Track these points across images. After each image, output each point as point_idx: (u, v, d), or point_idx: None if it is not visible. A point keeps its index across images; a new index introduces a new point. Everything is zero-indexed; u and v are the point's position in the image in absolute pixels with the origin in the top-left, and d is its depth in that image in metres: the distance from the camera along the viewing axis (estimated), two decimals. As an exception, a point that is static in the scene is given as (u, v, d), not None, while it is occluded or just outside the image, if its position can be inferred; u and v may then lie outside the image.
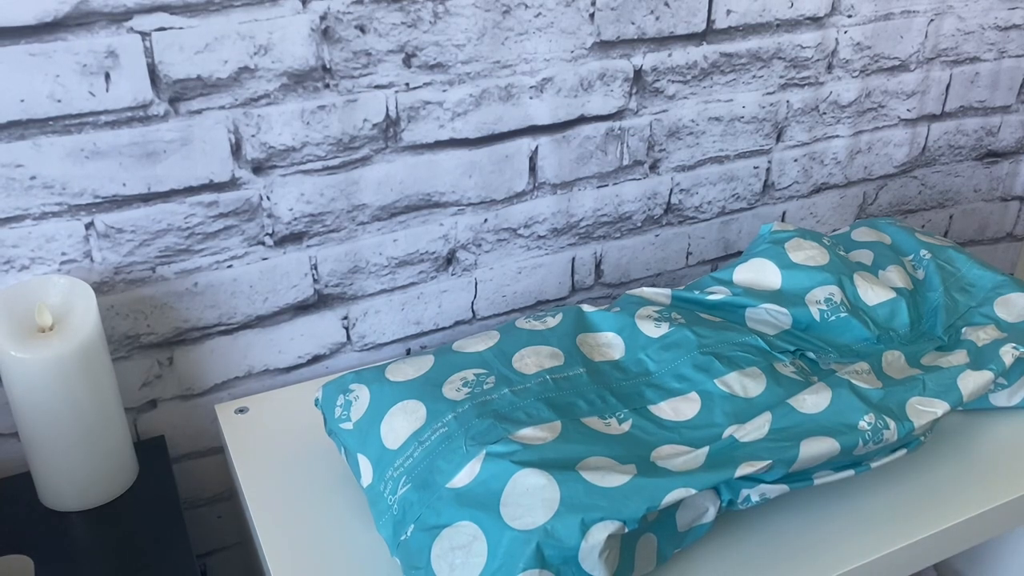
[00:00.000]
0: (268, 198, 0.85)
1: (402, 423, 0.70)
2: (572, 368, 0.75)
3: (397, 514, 0.66)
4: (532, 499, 0.61)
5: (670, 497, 0.62)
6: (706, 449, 0.68)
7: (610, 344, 0.79)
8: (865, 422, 0.71)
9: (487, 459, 0.64)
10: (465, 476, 0.64)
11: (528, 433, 0.67)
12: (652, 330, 0.79)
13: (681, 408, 0.73)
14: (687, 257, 1.12)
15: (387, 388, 0.74)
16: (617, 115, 0.98)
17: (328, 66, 0.82)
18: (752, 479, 0.67)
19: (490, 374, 0.74)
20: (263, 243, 0.87)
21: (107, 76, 0.74)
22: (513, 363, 0.75)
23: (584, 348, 0.78)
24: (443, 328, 1.01)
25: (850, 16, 1.05)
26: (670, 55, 0.97)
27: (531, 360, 0.75)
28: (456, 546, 0.61)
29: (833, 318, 0.83)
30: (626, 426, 0.71)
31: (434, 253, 0.96)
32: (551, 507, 0.61)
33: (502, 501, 0.62)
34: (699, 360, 0.75)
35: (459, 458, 0.65)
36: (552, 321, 0.81)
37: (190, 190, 0.81)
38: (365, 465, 0.71)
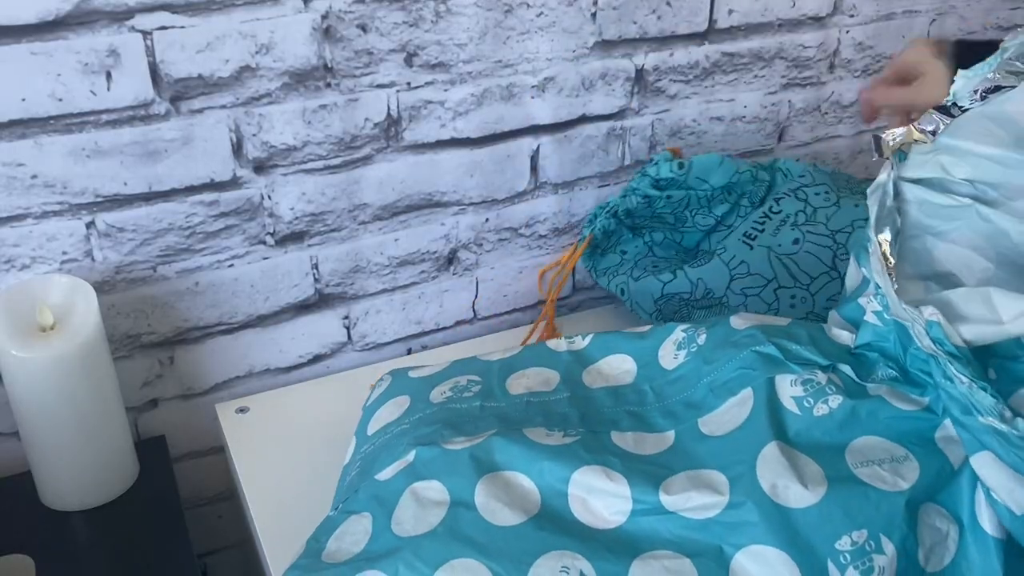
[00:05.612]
0: (269, 197, 0.85)
1: (387, 412, 0.71)
2: (557, 393, 0.69)
3: (340, 495, 0.68)
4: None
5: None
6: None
7: (623, 369, 0.71)
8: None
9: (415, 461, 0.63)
10: (390, 472, 0.63)
11: (460, 441, 0.63)
12: (669, 361, 0.69)
13: (645, 443, 0.63)
14: (688, 257, 1.12)
15: (402, 380, 0.75)
16: (619, 115, 0.98)
17: (330, 65, 0.82)
18: None
19: (480, 383, 0.71)
20: (264, 242, 0.87)
21: (108, 75, 0.74)
22: (506, 381, 0.71)
23: (588, 376, 0.71)
24: (444, 328, 1.01)
25: (852, 16, 1.05)
26: (672, 55, 0.97)
27: (522, 382, 0.71)
28: (347, 532, 0.62)
29: None
30: (568, 440, 0.62)
31: (435, 253, 0.96)
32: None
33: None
34: (694, 397, 0.66)
35: (396, 455, 0.64)
36: (578, 343, 0.74)
37: (191, 189, 0.81)
38: (351, 446, 0.72)
